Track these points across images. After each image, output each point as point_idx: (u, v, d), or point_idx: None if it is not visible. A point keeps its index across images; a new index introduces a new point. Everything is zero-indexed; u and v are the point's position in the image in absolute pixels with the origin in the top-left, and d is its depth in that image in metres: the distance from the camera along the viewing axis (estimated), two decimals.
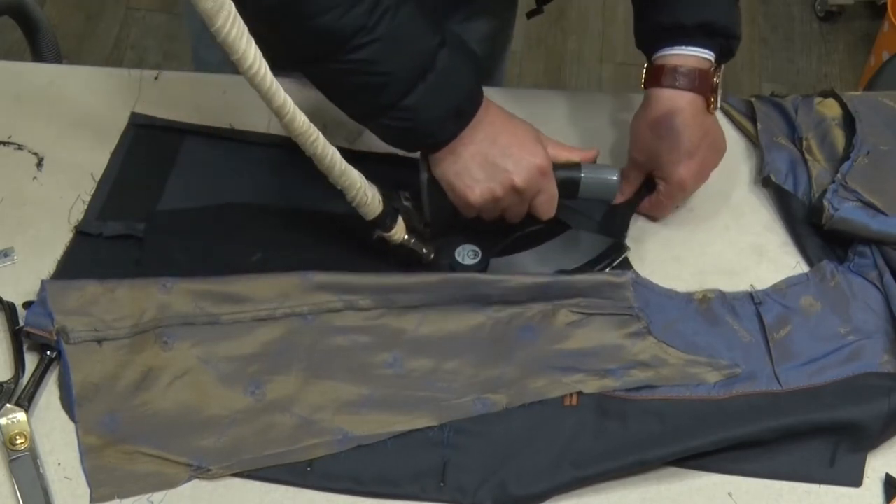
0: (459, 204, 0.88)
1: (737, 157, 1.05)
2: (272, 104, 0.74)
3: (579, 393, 0.85)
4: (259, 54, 0.71)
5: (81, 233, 0.92)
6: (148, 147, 1.00)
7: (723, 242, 0.98)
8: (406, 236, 0.89)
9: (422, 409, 0.83)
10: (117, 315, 0.85)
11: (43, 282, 0.86)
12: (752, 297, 0.93)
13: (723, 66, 0.94)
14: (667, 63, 0.92)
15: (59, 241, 0.92)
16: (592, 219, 0.98)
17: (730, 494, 0.82)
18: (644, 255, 0.96)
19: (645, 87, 0.94)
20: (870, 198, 0.95)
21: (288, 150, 1.00)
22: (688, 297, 0.92)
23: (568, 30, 2.44)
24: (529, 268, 0.93)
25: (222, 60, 1.09)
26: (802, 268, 0.96)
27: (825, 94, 1.07)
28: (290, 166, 0.99)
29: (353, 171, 0.83)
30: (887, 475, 0.83)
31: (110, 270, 0.88)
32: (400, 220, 0.88)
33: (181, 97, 1.04)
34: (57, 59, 1.39)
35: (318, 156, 0.80)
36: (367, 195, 0.84)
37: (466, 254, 0.92)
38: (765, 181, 1.02)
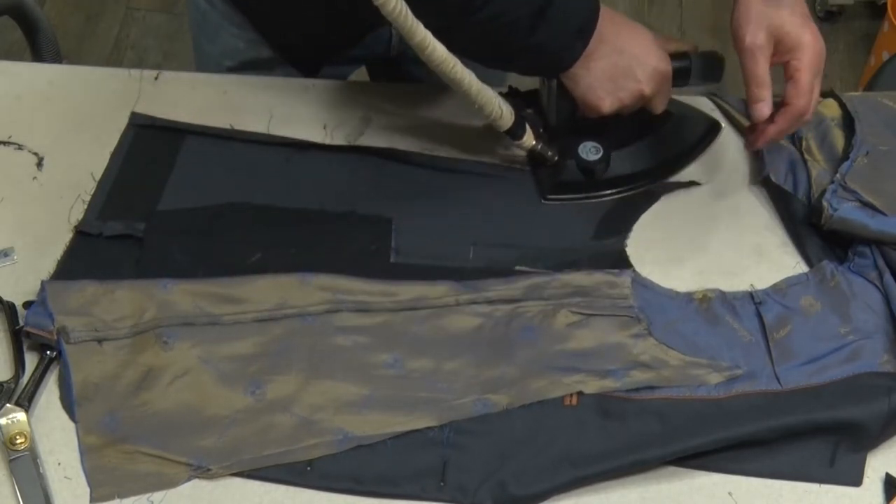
0: (588, 112, 0.93)
1: (737, 157, 1.05)
2: (412, 40, 0.81)
3: (579, 393, 0.85)
4: None
5: (81, 233, 0.92)
6: (148, 147, 1.00)
7: (723, 242, 0.98)
8: (534, 142, 0.96)
9: (422, 410, 0.83)
10: (117, 315, 0.85)
11: (43, 282, 0.86)
12: (753, 297, 0.93)
13: None
14: None
15: (59, 241, 0.92)
16: (685, 105, 1.05)
17: (730, 494, 0.82)
18: (644, 255, 0.96)
19: None
20: (869, 198, 0.95)
21: (288, 150, 1.01)
22: (688, 297, 0.92)
23: None
24: (648, 155, 1.00)
25: (223, 52, 1.10)
26: (802, 268, 0.96)
27: (825, 95, 1.07)
28: (290, 166, 0.99)
29: (489, 89, 0.89)
30: (887, 475, 0.83)
31: (110, 270, 0.88)
32: (528, 128, 0.95)
33: (181, 97, 1.04)
34: (57, 59, 1.39)
35: (456, 81, 0.86)
36: (501, 109, 0.91)
37: (588, 150, 0.98)
38: (765, 181, 1.02)
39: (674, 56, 0.94)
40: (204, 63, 1.16)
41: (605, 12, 0.89)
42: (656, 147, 1.01)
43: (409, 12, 0.79)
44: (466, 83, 0.87)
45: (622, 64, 0.90)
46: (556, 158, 0.98)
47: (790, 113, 0.93)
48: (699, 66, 0.96)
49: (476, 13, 0.83)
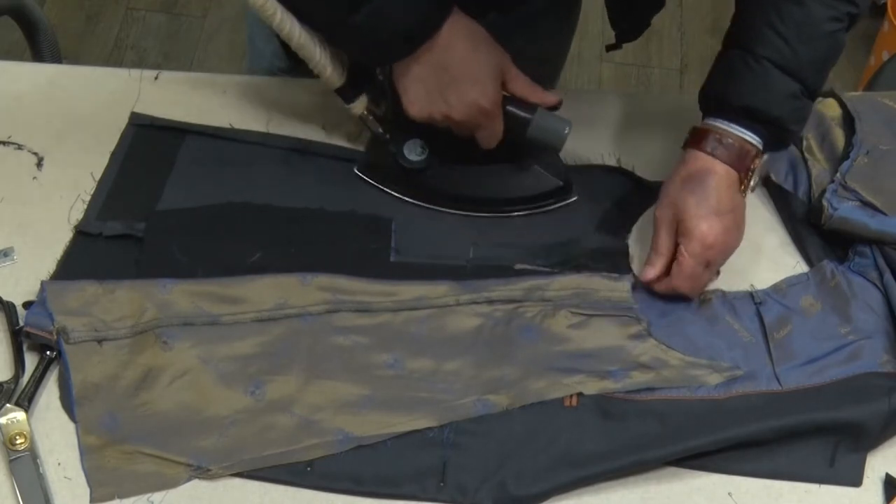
0: (403, 110, 0.90)
1: None
2: None
3: (579, 394, 0.85)
4: None
5: (81, 233, 0.92)
6: (148, 147, 1.00)
7: None
8: (364, 112, 0.94)
9: (422, 410, 0.83)
10: (117, 315, 0.85)
11: (43, 282, 0.86)
12: (753, 297, 0.93)
13: (765, 155, 0.90)
14: (711, 129, 0.89)
15: (59, 241, 0.92)
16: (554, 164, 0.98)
17: (730, 494, 0.82)
18: (644, 254, 0.96)
19: (684, 148, 0.91)
20: (869, 197, 0.95)
21: (288, 150, 1.01)
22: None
23: None
24: (469, 178, 0.97)
25: (275, 52, 1.10)
26: (802, 268, 0.96)
27: (825, 94, 1.07)
28: (291, 166, 0.99)
29: (312, 45, 0.88)
30: (887, 475, 0.83)
31: (110, 270, 0.88)
32: (363, 97, 0.93)
33: (181, 97, 1.04)
34: (57, 59, 1.39)
35: (276, 27, 0.87)
36: (326, 67, 0.90)
37: (414, 148, 0.95)
38: (765, 181, 1.02)
39: (519, 102, 0.90)
40: (256, 60, 1.17)
41: (456, 22, 0.86)
42: (482, 177, 0.97)
43: None
44: (287, 30, 0.86)
45: (440, 81, 0.86)
46: (388, 138, 0.96)
47: (668, 285, 0.91)
48: (541, 126, 0.91)
49: None
